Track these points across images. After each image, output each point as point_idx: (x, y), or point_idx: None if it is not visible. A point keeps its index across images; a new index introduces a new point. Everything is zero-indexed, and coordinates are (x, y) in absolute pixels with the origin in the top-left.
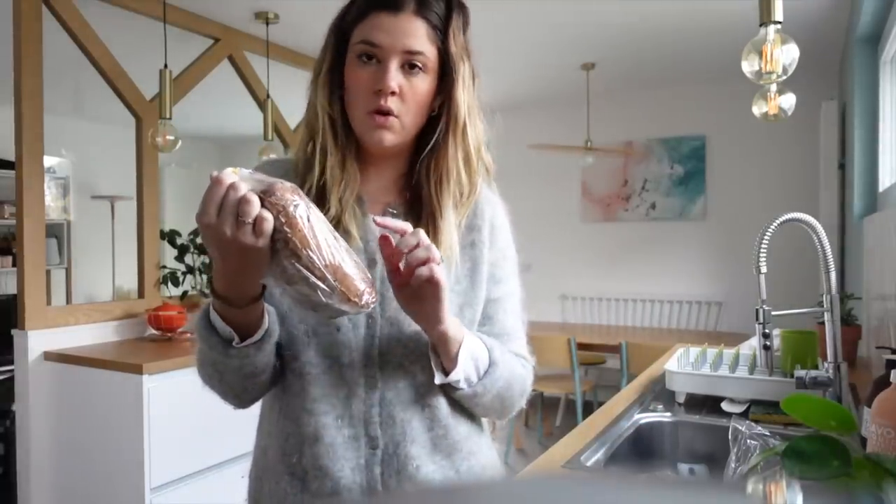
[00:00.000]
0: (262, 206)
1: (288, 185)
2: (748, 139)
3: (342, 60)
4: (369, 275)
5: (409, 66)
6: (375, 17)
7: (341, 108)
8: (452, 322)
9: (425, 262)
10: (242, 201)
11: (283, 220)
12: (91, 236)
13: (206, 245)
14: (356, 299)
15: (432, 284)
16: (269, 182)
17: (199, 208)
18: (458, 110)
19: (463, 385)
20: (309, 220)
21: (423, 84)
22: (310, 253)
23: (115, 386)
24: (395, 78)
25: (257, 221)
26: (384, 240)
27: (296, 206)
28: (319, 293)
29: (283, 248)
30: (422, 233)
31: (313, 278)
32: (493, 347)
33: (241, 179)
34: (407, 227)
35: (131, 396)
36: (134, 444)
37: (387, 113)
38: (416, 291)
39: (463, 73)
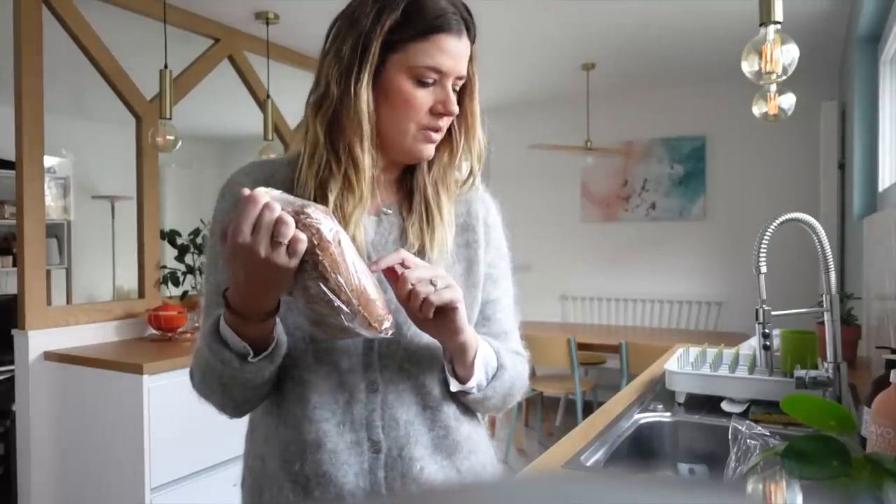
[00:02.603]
0: (295, 226)
1: (321, 206)
2: (748, 139)
3: (377, 71)
4: (387, 300)
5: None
6: (442, 41)
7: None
8: (468, 330)
9: (432, 293)
10: (279, 222)
11: (315, 241)
12: (91, 236)
13: (232, 263)
14: (377, 325)
15: (447, 308)
16: (301, 203)
17: (230, 227)
18: (474, 121)
19: (474, 391)
20: (340, 244)
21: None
22: (338, 277)
23: (115, 386)
24: (455, 101)
25: (291, 242)
26: (390, 272)
27: (329, 228)
28: (342, 317)
29: (311, 269)
30: (421, 264)
31: (338, 302)
32: (500, 351)
33: (272, 199)
34: (401, 258)
35: (131, 396)
36: (134, 444)
37: (438, 130)
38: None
39: (478, 84)
